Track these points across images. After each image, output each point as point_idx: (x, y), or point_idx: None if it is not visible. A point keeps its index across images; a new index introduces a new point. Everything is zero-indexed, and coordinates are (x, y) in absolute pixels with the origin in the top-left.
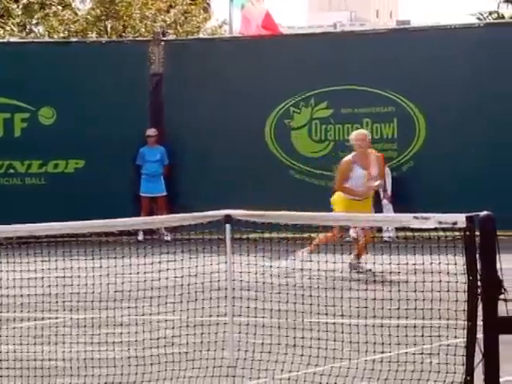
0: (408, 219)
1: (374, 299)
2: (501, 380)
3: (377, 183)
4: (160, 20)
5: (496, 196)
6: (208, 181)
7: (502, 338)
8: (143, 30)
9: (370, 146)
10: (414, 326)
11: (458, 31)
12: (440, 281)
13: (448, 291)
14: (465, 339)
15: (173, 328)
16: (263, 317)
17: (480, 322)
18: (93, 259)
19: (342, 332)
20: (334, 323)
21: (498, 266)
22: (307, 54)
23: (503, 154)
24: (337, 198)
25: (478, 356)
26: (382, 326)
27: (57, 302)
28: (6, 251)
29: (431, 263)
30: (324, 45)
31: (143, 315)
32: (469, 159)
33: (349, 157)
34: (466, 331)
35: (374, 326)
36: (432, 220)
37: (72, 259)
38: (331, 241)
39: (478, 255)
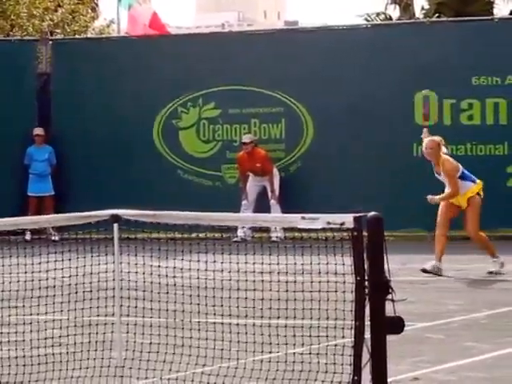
0: (296, 219)
1: (262, 299)
2: (388, 380)
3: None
4: (48, 19)
5: (383, 196)
6: (95, 180)
7: (390, 337)
8: (31, 29)
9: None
10: (302, 326)
11: (345, 32)
12: (328, 281)
13: (336, 291)
14: (352, 339)
15: (60, 328)
16: (151, 317)
17: (368, 322)
18: None
19: (230, 332)
20: (221, 323)
21: (385, 266)
22: (195, 54)
23: (391, 154)
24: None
25: (366, 356)
26: (269, 326)
27: None
28: None
29: (319, 263)
30: (212, 45)
31: (30, 315)
32: (356, 160)
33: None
34: (353, 331)
35: (261, 325)
36: (320, 220)
37: None
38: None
39: (365, 256)
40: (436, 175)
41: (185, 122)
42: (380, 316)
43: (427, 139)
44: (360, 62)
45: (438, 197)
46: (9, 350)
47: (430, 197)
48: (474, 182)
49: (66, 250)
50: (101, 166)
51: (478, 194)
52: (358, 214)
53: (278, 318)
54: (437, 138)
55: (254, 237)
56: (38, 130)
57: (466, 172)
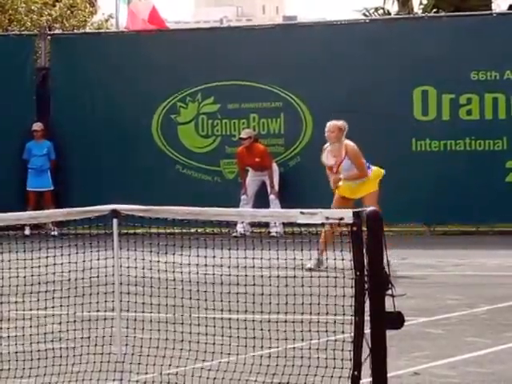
0: (295, 214)
1: (262, 294)
2: (388, 375)
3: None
4: (46, 14)
5: (382, 191)
6: (94, 175)
7: (390, 332)
8: (29, 23)
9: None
10: (302, 322)
11: (344, 27)
12: (327, 276)
13: (335, 286)
14: (352, 334)
15: (60, 323)
16: (151, 312)
17: (367, 317)
18: None
19: (230, 327)
20: (221, 318)
21: (385, 261)
22: (194, 48)
23: (389, 149)
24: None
25: (366, 351)
26: (269, 321)
27: None
28: None
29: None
30: (211, 40)
31: (30, 310)
32: None
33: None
34: (353, 326)
35: (261, 321)
36: (319, 215)
37: None
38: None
39: (364, 250)
40: (330, 162)
41: (184, 117)
42: (380, 311)
43: (329, 123)
44: (359, 56)
45: (341, 176)
46: (8, 345)
47: (333, 180)
48: (369, 168)
49: (66, 245)
50: (100, 160)
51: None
52: (356, 209)
53: (278, 313)
54: (339, 122)
55: (254, 232)
56: (37, 126)
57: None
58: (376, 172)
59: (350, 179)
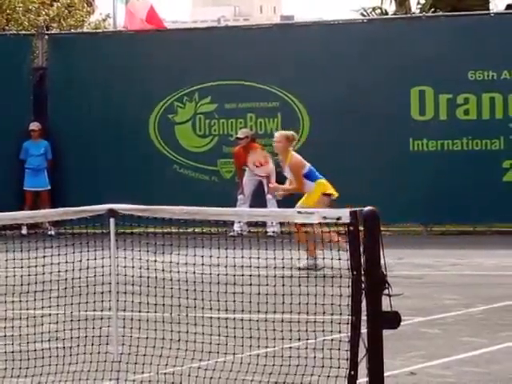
0: (292, 214)
1: (258, 294)
2: (385, 374)
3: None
4: (43, 13)
5: (379, 191)
6: (91, 175)
7: (387, 332)
8: (26, 23)
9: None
10: (298, 321)
11: (341, 27)
12: (324, 276)
13: (332, 286)
14: (349, 334)
15: (57, 322)
16: (148, 311)
17: (364, 317)
18: None
19: (227, 327)
20: (218, 318)
21: (381, 261)
22: (191, 48)
23: (387, 149)
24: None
25: (363, 351)
26: (266, 321)
27: None
28: None
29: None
30: (208, 39)
31: (27, 309)
32: (352, 155)
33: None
34: (350, 326)
35: (258, 320)
36: (316, 215)
37: None
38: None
39: (361, 250)
40: (284, 173)
41: (181, 117)
42: (376, 311)
43: (277, 132)
44: (356, 56)
45: (281, 186)
46: (5, 344)
47: (272, 185)
48: (315, 180)
49: (63, 245)
50: (97, 160)
51: (326, 194)
52: (353, 209)
53: (275, 312)
54: (286, 133)
55: (250, 231)
56: (34, 125)
57: (312, 172)
58: (321, 185)
59: (290, 191)
